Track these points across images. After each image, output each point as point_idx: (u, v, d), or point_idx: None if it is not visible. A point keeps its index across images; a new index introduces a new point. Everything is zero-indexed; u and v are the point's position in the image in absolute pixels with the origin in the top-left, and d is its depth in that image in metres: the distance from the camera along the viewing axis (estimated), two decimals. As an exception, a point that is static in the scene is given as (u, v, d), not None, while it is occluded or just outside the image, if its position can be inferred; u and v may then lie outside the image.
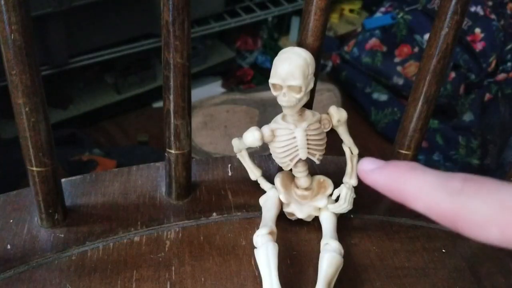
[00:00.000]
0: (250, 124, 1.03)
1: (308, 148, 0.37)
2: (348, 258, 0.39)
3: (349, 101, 1.28)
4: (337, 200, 0.39)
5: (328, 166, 0.47)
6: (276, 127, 0.37)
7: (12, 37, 0.31)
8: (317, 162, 0.38)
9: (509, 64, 1.16)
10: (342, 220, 0.42)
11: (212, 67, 1.26)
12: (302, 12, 0.38)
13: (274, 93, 0.35)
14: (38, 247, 0.38)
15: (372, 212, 0.43)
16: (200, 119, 1.04)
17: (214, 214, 0.42)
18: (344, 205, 0.39)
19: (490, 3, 1.15)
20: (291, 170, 0.39)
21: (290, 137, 0.36)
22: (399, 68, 1.20)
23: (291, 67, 0.33)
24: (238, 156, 0.41)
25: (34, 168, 0.37)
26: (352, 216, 0.43)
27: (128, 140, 1.12)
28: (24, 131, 0.35)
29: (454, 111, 1.16)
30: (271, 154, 0.39)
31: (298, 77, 0.34)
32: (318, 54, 0.38)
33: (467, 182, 0.21)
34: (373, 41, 1.25)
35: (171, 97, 0.37)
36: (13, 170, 0.75)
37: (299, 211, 0.39)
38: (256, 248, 0.35)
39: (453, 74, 1.14)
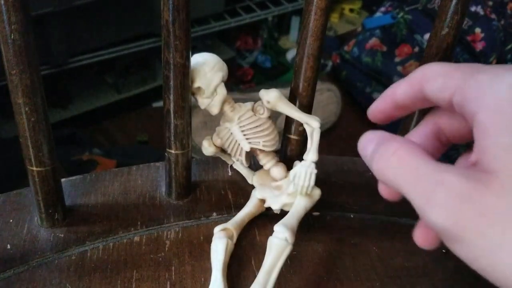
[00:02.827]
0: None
1: (247, 138, 0.38)
2: (348, 258, 0.39)
3: (349, 101, 1.28)
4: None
5: (328, 166, 0.47)
6: (219, 129, 0.39)
7: (12, 36, 0.31)
8: (266, 149, 0.38)
9: (509, 64, 1.16)
10: (342, 220, 0.42)
11: (212, 66, 1.26)
12: (302, 12, 0.38)
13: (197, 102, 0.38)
14: (38, 247, 0.38)
15: (372, 212, 0.43)
16: (200, 119, 1.04)
17: (214, 214, 0.42)
18: (300, 182, 0.36)
19: (490, 3, 1.15)
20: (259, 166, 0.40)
21: (229, 135, 0.38)
22: (399, 68, 1.20)
23: (191, 73, 0.37)
24: (234, 166, 0.42)
25: (34, 168, 0.37)
26: (352, 216, 0.43)
27: (128, 140, 1.12)
28: (24, 130, 0.35)
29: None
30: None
31: (195, 79, 0.37)
32: (318, 54, 0.38)
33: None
34: (373, 41, 1.25)
35: (171, 97, 0.37)
36: (13, 170, 0.75)
37: (274, 203, 0.38)
38: (212, 240, 0.37)
39: (453, 74, 1.14)
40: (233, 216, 0.42)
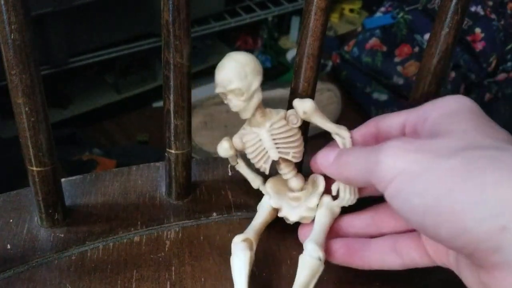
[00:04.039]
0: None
1: (277, 147, 0.36)
2: (348, 258, 0.39)
3: (349, 101, 1.28)
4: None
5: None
6: (243, 133, 0.37)
7: (12, 36, 0.31)
8: (294, 160, 0.36)
9: (509, 64, 1.16)
10: (342, 220, 0.42)
11: (212, 66, 1.26)
12: (302, 12, 0.38)
13: (225, 101, 0.35)
14: (38, 247, 0.38)
15: (372, 212, 0.43)
16: (200, 119, 1.04)
17: (214, 214, 0.42)
18: (347, 196, 0.36)
19: (490, 3, 1.15)
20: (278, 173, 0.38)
21: (257, 140, 0.36)
22: (399, 68, 1.20)
23: (225, 72, 0.34)
24: (237, 168, 0.40)
25: (34, 168, 0.37)
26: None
27: (128, 139, 1.12)
28: (24, 130, 0.35)
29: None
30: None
31: (234, 79, 0.33)
32: (318, 54, 0.38)
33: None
34: (373, 41, 1.25)
35: (171, 97, 0.37)
36: (13, 169, 0.75)
37: (291, 214, 0.37)
38: (232, 254, 0.35)
39: (453, 74, 1.14)
40: (233, 216, 0.42)
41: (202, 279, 0.37)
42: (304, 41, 0.37)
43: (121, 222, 0.41)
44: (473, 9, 1.14)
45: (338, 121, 1.22)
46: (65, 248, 0.38)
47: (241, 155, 0.39)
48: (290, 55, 1.43)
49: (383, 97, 1.23)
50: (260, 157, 0.36)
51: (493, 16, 1.13)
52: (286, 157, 0.36)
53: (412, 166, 0.25)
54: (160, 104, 1.21)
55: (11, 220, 0.40)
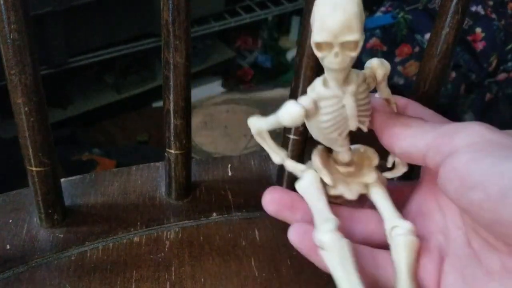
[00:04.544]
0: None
1: (359, 115, 0.29)
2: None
3: (349, 101, 1.27)
4: (392, 167, 0.33)
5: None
6: (318, 97, 0.29)
7: (11, 36, 0.31)
8: (365, 130, 0.30)
9: (509, 63, 1.16)
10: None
11: (212, 66, 1.26)
12: (302, 12, 0.38)
13: (318, 54, 0.27)
14: (37, 247, 0.38)
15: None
16: (200, 119, 1.04)
17: (214, 214, 0.42)
18: (403, 169, 0.32)
19: (490, 3, 1.15)
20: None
21: (339, 107, 0.29)
22: (399, 68, 1.20)
23: (346, 16, 0.25)
24: (257, 138, 0.32)
25: (34, 168, 0.37)
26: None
27: (128, 139, 1.12)
28: (24, 130, 0.35)
29: (455, 111, 1.16)
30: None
31: (356, 28, 0.25)
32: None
33: None
34: (373, 41, 1.25)
35: (171, 97, 0.37)
36: (13, 169, 0.75)
37: (348, 191, 0.31)
38: (323, 249, 0.28)
39: (453, 74, 1.14)
40: (233, 216, 0.42)
41: (202, 279, 0.37)
42: (304, 41, 0.37)
43: (121, 222, 0.40)
44: (473, 9, 1.13)
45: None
46: (65, 248, 0.38)
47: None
48: (290, 55, 1.43)
49: (383, 97, 1.23)
50: (337, 127, 0.29)
51: (493, 16, 1.13)
52: (362, 126, 0.30)
53: (498, 139, 0.24)
54: (160, 104, 1.20)
55: (10, 220, 0.40)
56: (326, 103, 0.28)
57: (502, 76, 1.16)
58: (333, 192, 0.31)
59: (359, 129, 0.30)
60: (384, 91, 0.31)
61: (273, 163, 0.46)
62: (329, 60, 0.26)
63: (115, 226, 0.40)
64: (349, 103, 0.28)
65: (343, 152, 0.31)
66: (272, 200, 0.30)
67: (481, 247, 0.26)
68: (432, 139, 0.26)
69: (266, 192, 0.31)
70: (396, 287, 0.28)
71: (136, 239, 0.39)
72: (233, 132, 1.02)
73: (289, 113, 0.29)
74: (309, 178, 0.31)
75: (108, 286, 0.36)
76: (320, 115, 0.29)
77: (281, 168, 0.44)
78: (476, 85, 1.15)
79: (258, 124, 0.31)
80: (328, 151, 0.32)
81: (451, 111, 1.15)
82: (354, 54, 0.26)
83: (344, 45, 0.26)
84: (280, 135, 0.41)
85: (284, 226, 0.41)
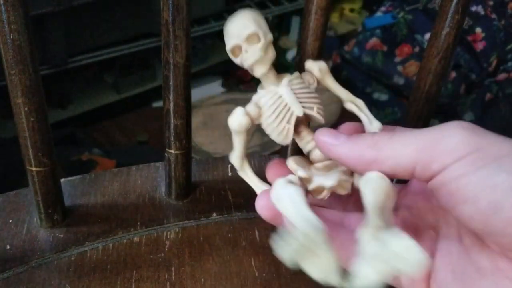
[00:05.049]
0: (250, 123, 1.04)
1: (300, 101, 0.31)
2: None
3: (349, 101, 1.27)
4: None
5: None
6: (258, 98, 0.32)
7: (11, 36, 0.31)
8: (320, 118, 0.31)
9: (509, 63, 1.16)
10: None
11: (212, 66, 1.26)
12: (302, 12, 0.38)
13: (236, 60, 0.32)
14: (37, 247, 0.38)
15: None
16: (200, 119, 1.04)
17: (214, 214, 0.42)
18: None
19: (490, 3, 1.15)
20: (296, 146, 0.33)
21: (276, 98, 0.31)
22: (399, 68, 1.20)
23: (239, 21, 0.31)
24: (240, 173, 0.34)
25: (33, 168, 0.37)
26: (352, 216, 0.42)
27: (128, 139, 1.12)
28: (23, 130, 0.35)
29: (455, 111, 1.16)
30: (271, 154, 0.38)
31: (250, 24, 0.31)
32: (319, 53, 0.38)
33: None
34: (373, 41, 1.25)
35: (171, 97, 0.37)
36: (13, 170, 0.75)
37: (326, 180, 0.30)
38: (277, 202, 0.28)
39: (454, 74, 1.14)
40: (233, 216, 0.42)
41: (202, 280, 0.37)
42: (305, 40, 0.37)
43: (121, 222, 0.40)
44: (473, 9, 1.13)
45: (338, 120, 1.21)
46: (65, 249, 0.38)
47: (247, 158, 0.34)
48: (291, 54, 1.43)
49: (384, 97, 1.23)
50: (282, 117, 0.31)
51: (493, 16, 1.13)
52: (310, 112, 0.31)
53: (486, 150, 0.23)
54: (160, 104, 1.20)
55: (10, 221, 0.40)
56: (265, 99, 0.32)
57: (502, 76, 1.16)
58: (311, 186, 0.30)
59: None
60: (338, 91, 0.33)
61: (273, 163, 0.47)
62: (244, 58, 0.31)
63: (115, 226, 0.40)
64: (285, 91, 0.31)
65: (314, 150, 0.32)
66: (266, 207, 0.29)
67: (473, 244, 0.26)
68: (416, 154, 0.25)
69: (258, 198, 0.30)
70: (364, 222, 0.26)
71: (136, 239, 0.39)
72: (233, 132, 1.02)
73: (233, 118, 0.32)
74: (286, 181, 0.30)
75: (108, 286, 0.36)
76: (264, 113, 0.32)
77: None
78: (476, 85, 1.15)
79: (235, 155, 0.33)
80: (305, 159, 0.33)
81: (451, 111, 1.15)
82: (259, 45, 0.31)
83: (249, 41, 0.31)
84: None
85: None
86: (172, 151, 0.40)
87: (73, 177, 0.44)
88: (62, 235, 0.39)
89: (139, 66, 1.14)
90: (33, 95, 0.34)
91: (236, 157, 0.33)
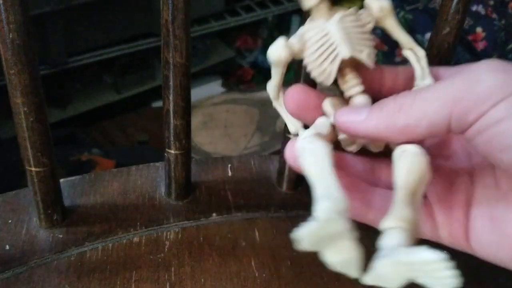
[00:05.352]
0: (250, 124, 1.03)
1: (350, 43, 0.28)
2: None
3: (349, 101, 1.27)
4: None
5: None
6: (304, 30, 0.29)
7: (11, 36, 0.31)
8: (368, 62, 0.28)
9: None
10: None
11: (212, 66, 1.26)
12: (302, 11, 0.38)
13: None
14: (37, 247, 0.38)
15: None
16: (199, 119, 1.04)
17: (214, 214, 0.42)
18: None
19: (491, 3, 1.15)
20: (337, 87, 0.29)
21: (323, 34, 0.28)
22: (399, 68, 1.20)
23: None
24: (275, 104, 0.31)
25: (33, 168, 0.37)
26: (352, 216, 0.42)
27: (128, 139, 1.12)
28: (23, 131, 0.35)
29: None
30: (271, 154, 0.38)
31: None
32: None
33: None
34: (373, 39, 1.25)
35: (171, 96, 0.37)
36: (12, 170, 0.75)
37: None
38: (300, 154, 0.26)
39: (453, 74, 1.14)
40: (233, 216, 0.42)
41: (202, 280, 0.37)
42: (305, 40, 0.37)
43: (121, 222, 0.40)
44: (474, 8, 1.13)
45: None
46: (64, 249, 0.38)
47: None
48: (290, 55, 1.43)
49: (383, 97, 1.23)
50: (326, 56, 0.28)
51: (494, 15, 1.13)
52: (359, 56, 0.28)
53: None
54: (159, 104, 1.20)
55: (10, 221, 0.40)
56: (311, 34, 0.28)
57: (502, 76, 1.16)
58: (342, 135, 0.28)
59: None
60: (399, 35, 0.30)
61: (273, 163, 0.47)
62: None
63: (114, 227, 0.40)
64: (333, 28, 0.28)
65: (356, 96, 0.28)
66: (293, 98, 0.28)
67: (510, 187, 0.25)
68: (449, 107, 0.23)
69: (289, 145, 0.28)
70: (390, 209, 0.24)
71: (135, 239, 0.39)
72: (233, 132, 1.02)
73: (273, 48, 0.29)
74: (319, 121, 0.28)
75: (108, 287, 0.36)
76: (308, 48, 0.29)
77: (281, 168, 0.44)
78: (476, 85, 1.15)
79: (272, 84, 0.30)
80: (343, 101, 0.29)
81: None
82: None
83: None
84: (280, 136, 0.41)
85: (284, 227, 0.41)
86: (172, 151, 0.40)
87: (73, 177, 0.44)
88: (61, 235, 0.39)
89: (139, 66, 1.14)
90: (33, 95, 0.34)
91: (273, 86, 0.30)
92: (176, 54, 0.35)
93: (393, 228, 0.23)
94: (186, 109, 0.38)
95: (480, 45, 1.13)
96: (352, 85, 0.28)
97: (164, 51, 0.35)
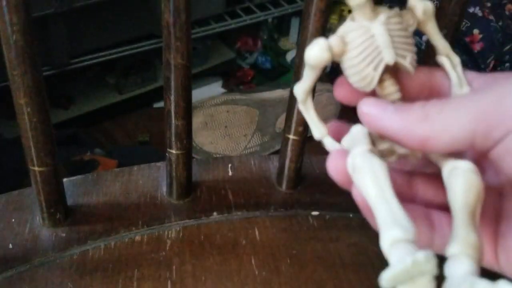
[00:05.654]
0: (250, 124, 1.04)
1: (394, 47, 0.26)
2: (347, 257, 0.39)
3: (349, 102, 1.27)
4: None
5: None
6: (345, 31, 0.27)
7: (14, 37, 0.32)
8: (411, 70, 0.26)
9: (507, 64, 1.16)
10: (341, 220, 0.43)
11: (213, 67, 1.26)
12: (302, 13, 0.38)
13: None
14: (39, 246, 0.39)
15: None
16: (200, 119, 1.04)
17: (215, 213, 0.42)
18: None
19: (488, 4, 1.15)
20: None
21: (367, 37, 0.26)
22: (399, 69, 1.20)
23: None
24: (301, 107, 0.29)
25: (36, 168, 0.37)
26: (351, 215, 0.43)
27: (129, 140, 1.12)
28: (26, 131, 0.35)
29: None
30: (271, 154, 0.38)
31: None
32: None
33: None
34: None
35: (172, 97, 0.38)
36: (15, 169, 0.75)
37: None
38: (355, 172, 0.25)
39: (452, 75, 1.14)
40: (234, 215, 0.42)
41: (203, 278, 0.37)
42: (304, 42, 0.38)
43: (123, 221, 0.41)
44: (471, 10, 1.14)
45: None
46: (67, 248, 0.39)
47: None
48: (290, 56, 1.43)
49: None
50: (370, 60, 0.26)
51: (491, 17, 1.13)
52: (402, 62, 0.26)
53: None
54: (161, 104, 1.21)
55: (13, 220, 0.40)
56: (353, 35, 0.26)
57: (501, 76, 1.16)
58: (382, 146, 0.27)
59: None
60: (437, 40, 0.29)
61: (273, 163, 0.47)
62: None
63: (116, 225, 0.40)
64: (379, 30, 0.26)
65: (395, 102, 0.27)
66: (341, 171, 0.25)
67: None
68: (474, 124, 0.22)
69: (332, 158, 0.26)
70: (452, 229, 0.23)
71: (137, 238, 0.40)
72: (233, 132, 1.02)
73: (313, 50, 0.26)
74: (355, 130, 0.27)
75: (110, 285, 0.36)
76: (349, 51, 0.26)
77: (281, 168, 0.44)
78: (475, 86, 1.15)
79: (301, 87, 0.28)
80: None
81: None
82: None
83: None
84: (280, 135, 0.41)
85: (284, 226, 0.41)
86: (173, 151, 0.40)
87: (75, 177, 0.44)
88: (64, 234, 0.40)
89: (141, 67, 1.14)
90: (36, 96, 0.34)
91: (301, 89, 0.28)
92: (177, 56, 0.36)
93: (459, 254, 0.22)
94: (187, 109, 0.39)
95: (477, 47, 1.13)
96: (390, 92, 0.27)
97: (165, 53, 0.36)
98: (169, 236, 0.40)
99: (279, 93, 1.10)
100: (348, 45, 0.26)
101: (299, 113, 0.40)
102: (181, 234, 0.40)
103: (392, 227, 0.21)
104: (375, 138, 0.26)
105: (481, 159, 0.26)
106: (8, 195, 0.42)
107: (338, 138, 0.27)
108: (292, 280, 0.37)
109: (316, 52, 0.26)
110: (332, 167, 0.25)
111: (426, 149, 0.23)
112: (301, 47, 0.38)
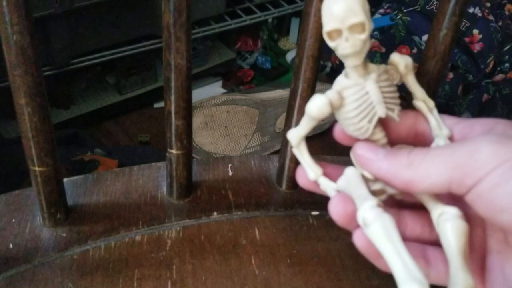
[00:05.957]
0: (250, 124, 1.04)
1: (385, 102, 0.30)
2: (347, 257, 0.40)
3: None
4: None
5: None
6: (341, 87, 0.30)
7: (14, 38, 0.32)
8: (397, 119, 0.30)
9: (506, 64, 1.16)
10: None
11: (213, 67, 1.26)
12: (301, 13, 0.38)
13: (331, 44, 0.29)
14: (40, 246, 0.39)
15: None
16: (200, 119, 1.04)
17: (215, 213, 0.42)
18: None
19: (488, 5, 1.15)
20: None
21: (362, 94, 0.29)
22: (399, 69, 1.20)
23: (346, 4, 0.27)
24: (295, 151, 0.32)
25: (36, 168, 0.37)
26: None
27: (130, 140, 1.12)
28: (27, 131, 0.35)
29: (452, 112, 1.16)
30: (271, 154, 0.38)
31: (359, 11, 0.27)
32: (318, 55, 0.38)
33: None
34: (372, 42, 1.25)
35: (172, 97, 0.38)
36: (16, 169, 0.75)
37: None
38: (366, 226, 0.28)
39: (451, 75, 1.15)
40: (234, 215, 0.42)
41: (203, 278, 0.37)
42: (304, 42, 0.38)
43: (123, 221, 0.41)
44: (471, 10, 1.14)
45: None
46: (67, 247, 0.39)
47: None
48: (290, 56, 1.43)
49: (383, 98, 1.23)
50: (365, 115, 0.29)
51: (491, 17, 1.13)
52: (391, 114, 0.30)
53: None
54: (161, 104, 1.21)
55: (13, 220, 0.40)
56: (349, 92, 0.29)
57: (499, 77, 1.16)
58: (374, 187, 0.30)
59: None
60: (415, 89, 0.32)
61: (273, 163, 0.47)
62: (342, 46, 0.28)
63: (117, 225, 0.41)
64: (372, 88, 0.29)
65: (383, 146, 0.30)
66: (343, 214, 0.29)
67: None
68: (450, 172, 0.25)
69: (334, 202, 0.29)
70: (450, 273, 0.26)
71: (138, 238, 0.40)
72: (233, 132, 1.02)
73: (315, 104, 0.29)
74: (349, 173, 0.31)
75: (110, 285, 0.36)
76: (346, 105, 0.30)
77: (281, 168, 0.44)
78: (473, 86, 1.16)
79: (297, 133, 0.31)
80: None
81: (449, 112, 1.15)
82: (363, 36, 0.28)
83: (352, 29, 0.28)
84: (280, 135, 0.41)
85: (284, 226, 0.41)
86: (173, 151, 0.40)
87: (76, 177, 0.44)
88: (64, 234, 0.40)
89: (141, 67, 1.14)
90: (36, 96, 0.34)
91: (297, 135, 0.31)
92: (177, 56, 0.36)
93: None
94: (187, 109, 0.39)
95: (477, 47, 1.13)
96: (379, 138, 0.30)
97: (165, 53, 0.36)
98: (169, 236, 0.40)
99: (279, 93, 1.10)
100: (345, 100, 0.29)
101: (299, 113, 0.40)
102: (181, 234, 0.40)
103: (408, 281, 0.25)
104: (367, 179, 0.30)
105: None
106: (8, 195, 0.42)
107: (331, 178, 0.31)
108: (292, 280, 0.37)
109: (319, 107, 0.29)
110: (335, 212, 0.29)
111: (410, 190, 0.27)
112: (301, 47, 0.38)
